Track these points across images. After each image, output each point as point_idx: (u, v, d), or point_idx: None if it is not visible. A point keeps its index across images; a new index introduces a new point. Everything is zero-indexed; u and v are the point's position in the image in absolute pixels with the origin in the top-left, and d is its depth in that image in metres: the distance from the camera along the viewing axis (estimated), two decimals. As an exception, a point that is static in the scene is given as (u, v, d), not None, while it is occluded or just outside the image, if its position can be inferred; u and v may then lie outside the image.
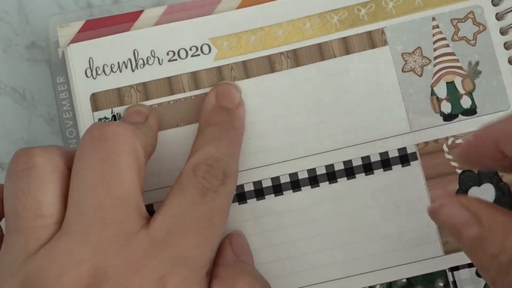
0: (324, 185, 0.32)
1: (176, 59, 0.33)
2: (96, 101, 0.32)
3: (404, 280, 0.31)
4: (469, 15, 0.33)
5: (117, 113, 0.32)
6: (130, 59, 0.33)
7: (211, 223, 0.26)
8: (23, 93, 0.34)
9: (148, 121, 0.31)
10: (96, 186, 0.25)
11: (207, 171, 0.27)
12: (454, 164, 0.32)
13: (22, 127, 0.34)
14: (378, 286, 0.31)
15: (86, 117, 0.32)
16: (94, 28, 0.33)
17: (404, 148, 0.32)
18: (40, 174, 0.25)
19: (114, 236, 0.24)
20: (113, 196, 0.25)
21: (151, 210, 0.32)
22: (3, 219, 0.26)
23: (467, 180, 0.32)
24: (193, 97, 0.32)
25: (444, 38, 0.33)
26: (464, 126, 0.32)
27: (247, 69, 0.33)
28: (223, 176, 0.27)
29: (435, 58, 0.33)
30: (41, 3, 0.35)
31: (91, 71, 0.33)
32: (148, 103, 0.32)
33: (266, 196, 0.32)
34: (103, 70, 0.33)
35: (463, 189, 0.32)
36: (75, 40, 0.33)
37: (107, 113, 0.32)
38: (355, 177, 0.32)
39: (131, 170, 0.26)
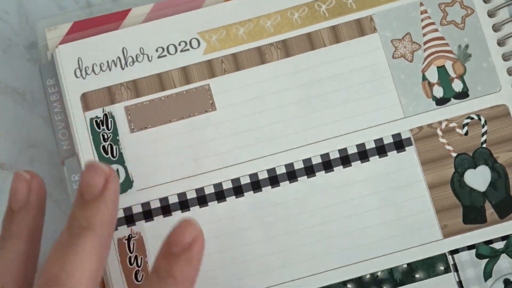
0: (321, 174, 0.32)
1: (165, 55, 0.33)
2: (87, 100, 0.32)
3: (405, 266, 0.31)
4: (456, -1, 0.33)
5: (108, 112, 0.32)
6: (119, 57, 0.32)
7: None
8: (23, 93, 0.34)
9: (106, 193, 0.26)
10: None
11: None
12: (448, 147, 0.32)
13: (22, 127, 0.34)
14: (379, 272, 0.31)
15: (77, 117, 0.32)
16: (82, 29, 0.33)
17: (399, 134, 0.32)
18: None
19: None
20: None
21: (148, 209, 0.32)
22: None
23: (462, 163, 0.32)
24: (184, 92, 0.32)
25: (432, 23, 0.33)
26: (457, 109, 0.32)
27: (238, 62, 0.32)
28: None
29: (425, 43, 0.33)
30: (41, 3, 0.35)
31: (80, 71, 0.32)
32: (139, 100, 0.32)
33: (263, 188, 0.32)
34: (93, 70, 0.32)
35: (459, 172, 0.32)
36: (63, 42, 0.33)
37: (98, 112, 0.32)
38: (351, 165, 0.32)
39: None
